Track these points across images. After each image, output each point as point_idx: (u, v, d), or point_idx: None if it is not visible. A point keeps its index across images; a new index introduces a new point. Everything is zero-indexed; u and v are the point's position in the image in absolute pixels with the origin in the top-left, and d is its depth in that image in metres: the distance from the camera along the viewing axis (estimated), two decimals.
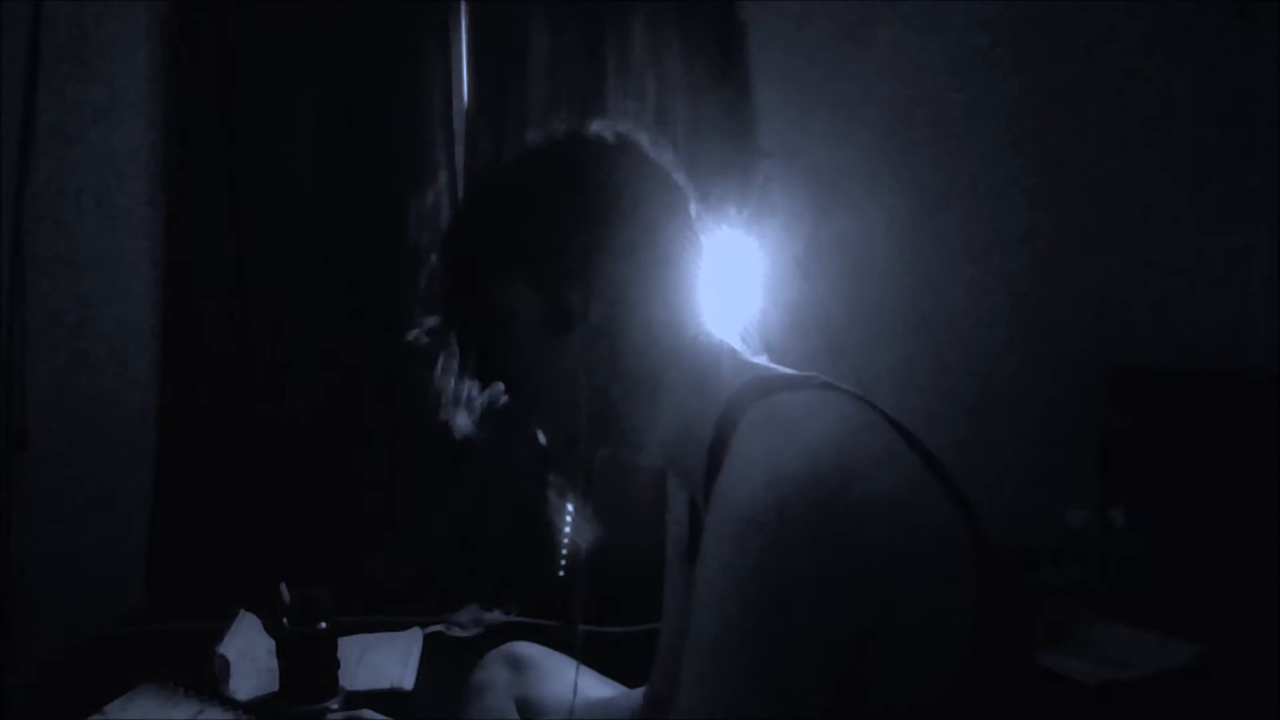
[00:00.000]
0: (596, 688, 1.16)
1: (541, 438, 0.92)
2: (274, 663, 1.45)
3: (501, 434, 0.94)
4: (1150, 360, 2.13)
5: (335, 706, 1.39)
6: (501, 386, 0.92)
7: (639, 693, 1.14)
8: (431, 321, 0.93)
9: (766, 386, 0.77)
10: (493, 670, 1.18)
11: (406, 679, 1.53)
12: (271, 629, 1.48)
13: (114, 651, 1.68)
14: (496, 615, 1.80)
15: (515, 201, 0.88)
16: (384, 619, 1.75)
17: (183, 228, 1.95)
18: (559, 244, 0.84)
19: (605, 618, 1.64)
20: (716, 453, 0.76)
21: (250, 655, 1.52)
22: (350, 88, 1.96)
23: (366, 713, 1.04)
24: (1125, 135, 2.17)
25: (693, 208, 0.89)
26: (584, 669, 1.12)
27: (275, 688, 1.44)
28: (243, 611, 1.59)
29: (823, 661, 0.66)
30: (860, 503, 0.67)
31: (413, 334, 0.93)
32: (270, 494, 1.94)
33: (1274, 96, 2.12)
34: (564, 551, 1.83)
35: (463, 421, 0.95)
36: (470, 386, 0.93)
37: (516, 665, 1.17)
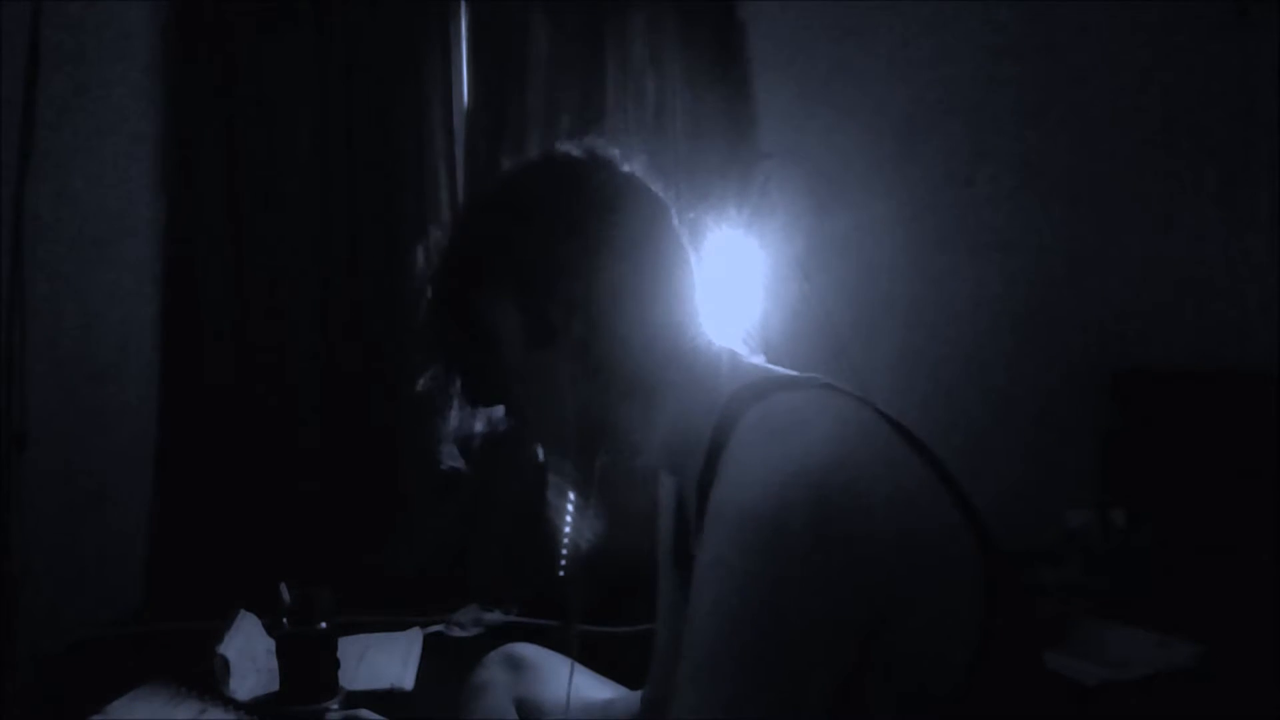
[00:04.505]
0: (595, 689, 1.16)
1: (540, 452, 0.93)
2: (274, 663, 1.45)
3: (501, 440, 0.95)
4: (1150, 360, 2.13)
5: (335, 706, 1.38)
6: (500, 412, 0.93)
7: (637, 694, 1.14)
8: (432, 367, 0.93)
9: (765, 387, 0.77)
10: (492, 671, 1.18)
11: (406, 679, 1.53)
12: (271, 629, 1.48)
13: (114, 651, 1.68)
14: (496, 615, 1.80)
15: (492, 227, 0.89)
16: (384, 619, 1.75)
17: (183, 228, 1.95)
18: (541, 261, 0.85)
19: (605, 618, 1.64)
20: (714, 454, 0.76)
21: (250, 655, 1.52)
22: (350, 88, 1.96)
23: (366, 713, 1.04)
24: (1125, 135, 2.17)
25: (672, 214, 0.90)
26: (583, 670, 1.12)
27: (275, 688, 1.44)
28: (243, 611, 1.59)
29: (822, 662, 0.66)
30: (859, 503, 0.67)
31: (420, 384, 0.94)
32: (270, 494, 1.94)
33: (1274, 96, 2.11)
34: (564, 551, 1.83)
35: (459, 456, 0.96)
36: (466, 416, 0.94)
37: (516, 666, 1.17)
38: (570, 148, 0.91)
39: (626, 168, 0.90)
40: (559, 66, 1.98)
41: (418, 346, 0.95)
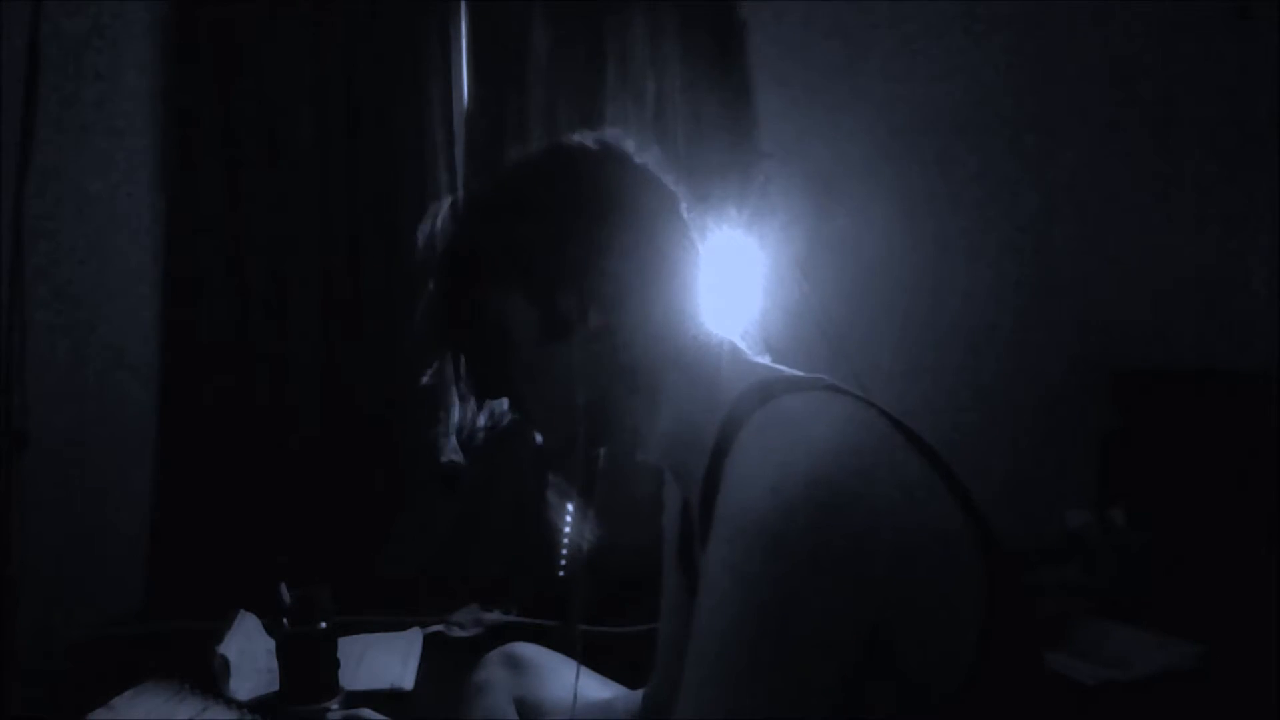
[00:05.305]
0: (596, 688, 1.16)
1: (539, 439, 0.92)
2: (274, 663, 1.45)
3: (503, 434, 0.95)
4: (1150, 361, 2.13)
5: (335, 706, 1.39)
6: (503, 405, 0.92)
7: (638, 694, 1.14)
8: (436, 358, 0.93)
9: (771, 389, 0.77)
10: (492, 670, 1.18)
11: (406, 679, 1.53)
12: (271, 629, 1.48)
13: (114, 651, 1.68)
14: (496, 615, 1.80)
15: (506, 216, 0.88)
16: (384, 619, 1.75)
17: (183, 228, 1.95)
18: (551, 254, 0.84)
19: (605, 618, 1.64)
20: (719, 455, 0.76)
21: (250, 655, 1.52)
22: (350, 88, 1.96)
23: (366, 712, 1.04)
24: (1125, 135, 2.17)
25: (684, 208, 0.89)
26: (583, 670, 1.12)
27: (275, 688, 1.44)
28: (243, 611, 1.59)
29: (828, 663, 0.66)
30: (863, 506, 0.67)
31: (425, 377, 0.93)
32: (270, 494, 1.94)
33: (1274, 96, 2.12)
34: (564, 551, 1.83)
35: (460, 450, 0.96)
36: (468, 412, 0.93)
37: (516, 666, 1.17)
38: (583, 138, 0.90)
39: (639, 159, 0.90)
40: (559, 66, 1.98)
41: (423, 338, 0.94)
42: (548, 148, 0.91)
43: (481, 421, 0.94)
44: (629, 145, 0.90)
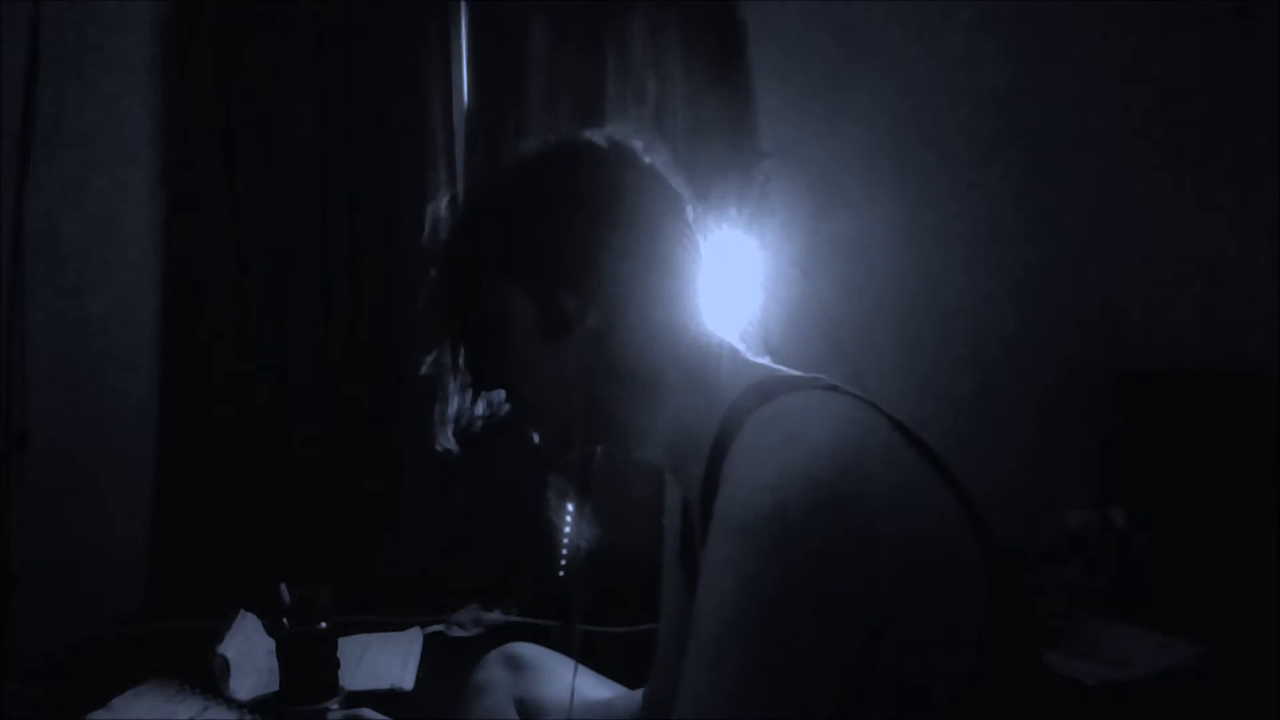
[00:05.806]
0: (596, 688, 1.16)
1: (536, 438, 0.92)
2: (274, 663, 1.45)
3: (501, 436, 0.95)
4: (1150, 360, 2.13)
5: (335, 706, 1.38)
6: (500, 395, 0.92)
7: (638, 694, 1.14)
8: (435, 347, 0.92)
9: (770, 388, 0.77)
10: (492, 670, 1.18)
11: (406, 679, 1.53)
12: (271, 629, 1.48)
13: (114, 651, 1.68)
14: (496, 615, 1.80)
15: (509, 211, 0.88)
16: (384, 619, 1.75)
17: (183, 227, 1.95)
18: (554, 250, 0.84)
19: (605, 617, 1.64)
20: (718, 455, 0.76)
21: (250, 655, 1.52)
22: (350, 87, 1.96)
23: (366, 712, 1.04)
24: (1125, 135, 2.17)
25: (689, 209, 0.89)
26: (583, 670, 1.12)
27: (275, 688, 1.44)
28: (243, 611, 1.59)
29: (827, 663, 0.66)
30: (863, 505, 0.67)
31: (424, 367, 0.93)
32: (271, 493, 1.94)
33: (1274, 96, 2.11)
34: (564, 551, 1.83)
35: (456, 440, 0.96)
36: (466, 402, 0.93)
37: (516, 666, 1.17)
38: (591, 135, 0.89)
39: (646, 159, 0.89)
40: (559, 66, 1.98)
41: (423, 331, 0.94)
42: (554, 143, 0.91)
43: (479, 411, 0.94)
44: (637, 144, 0.89)
